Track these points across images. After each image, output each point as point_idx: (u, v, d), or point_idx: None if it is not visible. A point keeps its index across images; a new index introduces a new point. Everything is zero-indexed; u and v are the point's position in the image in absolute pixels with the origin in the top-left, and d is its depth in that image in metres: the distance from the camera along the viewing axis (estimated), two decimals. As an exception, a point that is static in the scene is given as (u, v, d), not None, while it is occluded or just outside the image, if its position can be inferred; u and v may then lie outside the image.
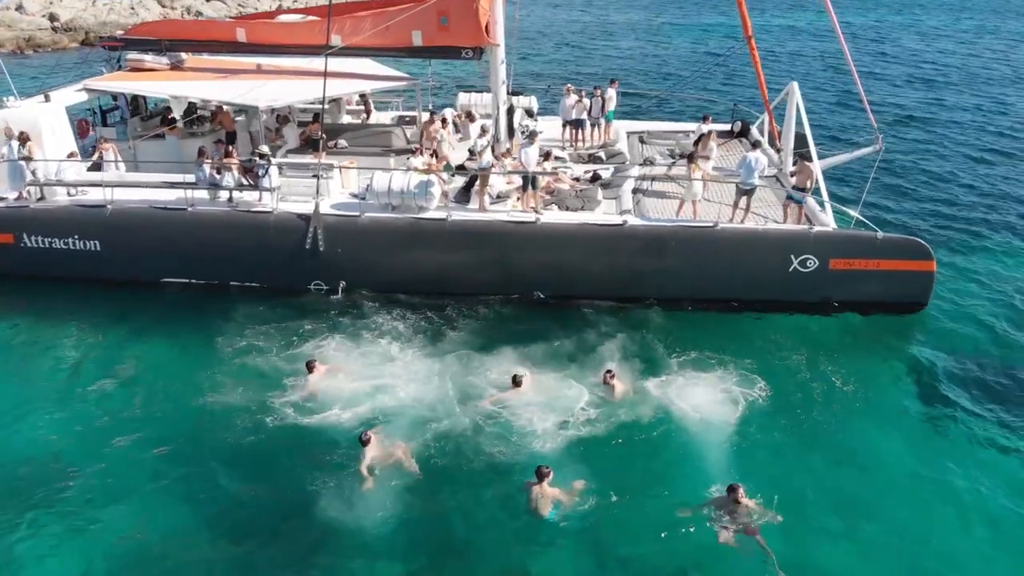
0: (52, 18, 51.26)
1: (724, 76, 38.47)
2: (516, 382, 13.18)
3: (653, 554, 10.34)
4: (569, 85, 21.62)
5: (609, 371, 13.55)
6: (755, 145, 16.48)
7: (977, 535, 10.71)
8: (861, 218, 15.98)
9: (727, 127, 22.01)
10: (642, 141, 21.89)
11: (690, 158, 16.65)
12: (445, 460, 11.82)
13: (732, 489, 10.73)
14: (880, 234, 15.66)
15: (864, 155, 19.20)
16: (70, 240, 17.00)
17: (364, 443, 11.60)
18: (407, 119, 22.08)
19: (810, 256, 15.75)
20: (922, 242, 15.89)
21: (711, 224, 15.97)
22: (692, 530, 10.59)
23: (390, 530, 10.62)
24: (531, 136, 17.18)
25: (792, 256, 15.81)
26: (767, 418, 12.97)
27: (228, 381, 13.77)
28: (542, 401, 13.04)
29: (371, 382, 13.57)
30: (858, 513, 11.02)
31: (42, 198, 17.24)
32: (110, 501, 11.14)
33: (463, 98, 23.72)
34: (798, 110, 17.69)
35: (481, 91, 23.29)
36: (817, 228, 15.94)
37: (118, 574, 9.99)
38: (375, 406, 12.94)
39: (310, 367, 13.64)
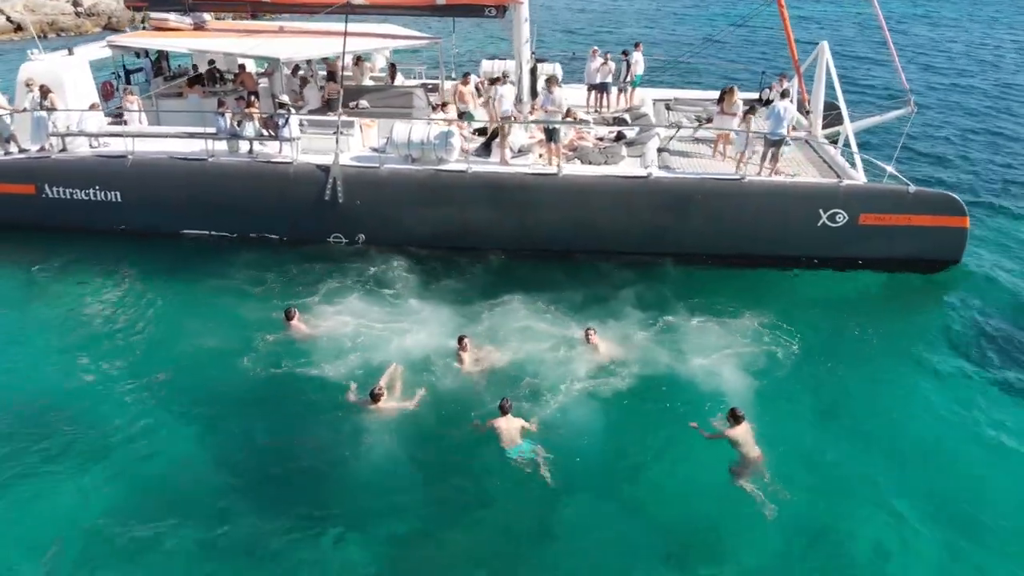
0: (76, 3, 52.16)
1: (752, 42, 38.33)
2: (461, 345, 12.90)
3: (652, 489, 10.44)
4: (595, 48, 21.66)
5: (590, 328, 13.33)
6: (783, 95, 16.44)
7: (1006, 487, 10.57)
8: (894, 172, 15.86)
9: (755, 95, 21.97)
10: (668, 108, 21.89)
11: (750, 111, 16.45)
12: (442, 411, 11.79)
13: (732, 413, 10.84)
14: (912, 188, 15.57)
15: (896, 117, 19.13)
16: (91, 191, 17.33)
17: (375, 397, 11.56)
18: (430, 87, 22.28)
19: (839, 210, 15.69)
20: (955, 197, 15.77)
21: (738, 177, 15.95)
22: (689, 461, 10.69)
23: (388, 477, 10.63)
24: (504, 78, 17.47)
25: (821, 210, 15.75)
26: (785, 372, 12.87)
27: (241, 331, 13.87)
28: (538, 354, 13.06)
29: (378, 332, 13.65)
30: (878, 467, 10.90)
31: (63, 149, 17.59)
32: (117, 441, 11.29)
33: (486, 65, 23.85)
34: (828, 70, 17.64)
35: (504, 59, 23.43)
36: (847, 182, 15.87)
37: (123, 512, 10.08)
38: (381, 356, 12.93)
39: (288, 315, 13.73)
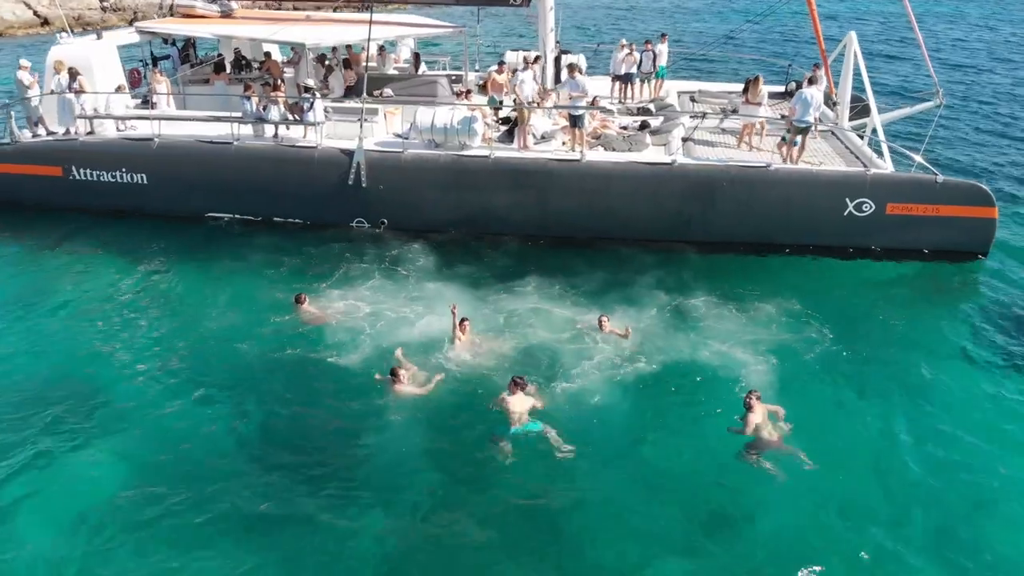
0: (101, -3, 52.93)
1: (777, 35, 38.26)
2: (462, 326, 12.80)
3: (670, 468, 10.42)
4: (623, 40, 21.72)
5: (604, 316, 13.26)
6: (810, 82, 16.41)
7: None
8: (922, 161, 15.78)
9: (781, 88, 21.94)
10: (693, 100, 21.87)
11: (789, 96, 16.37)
12: (453, 391, 11.76)
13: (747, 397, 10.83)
14: (940, 177, 15.50)
15: (925, 109, 19.05)
16: (117, 173, 17.59)
17: (393, 376, 11.60)
18: (453, 78, 22.42)
19: (866, 200, 15.64)
20: (984, 187, 15.67)
21: (764, 164, 15.94)
22: (704, 445, 10.68)
23: (396, 455, 10.59)
24: (526, 63, 17.54)
25: (847, 199, 15.70)
26: (808, 360, 12.72)
27: (258, 313, 13.98)
28: (551, 340, 13.07)
29: (392, 315, 13.72)
30: (902, 450, 10.80)
31: (91, 132, 17.87)
32: (134, 417, 11.38)
33: (510, 57, 23.97)
34: (856, 62, 17.57)
35: (529, 50, 23.54)
36: (874, 171, 15.81)
37: (141, 485, 10.14)
38: (393, 339, 12.97)
39: (299, 299, 13.82)
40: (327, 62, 20.90)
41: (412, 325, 13.39)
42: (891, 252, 16.06)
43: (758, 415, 10.68)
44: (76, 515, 9.62)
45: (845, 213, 15.77)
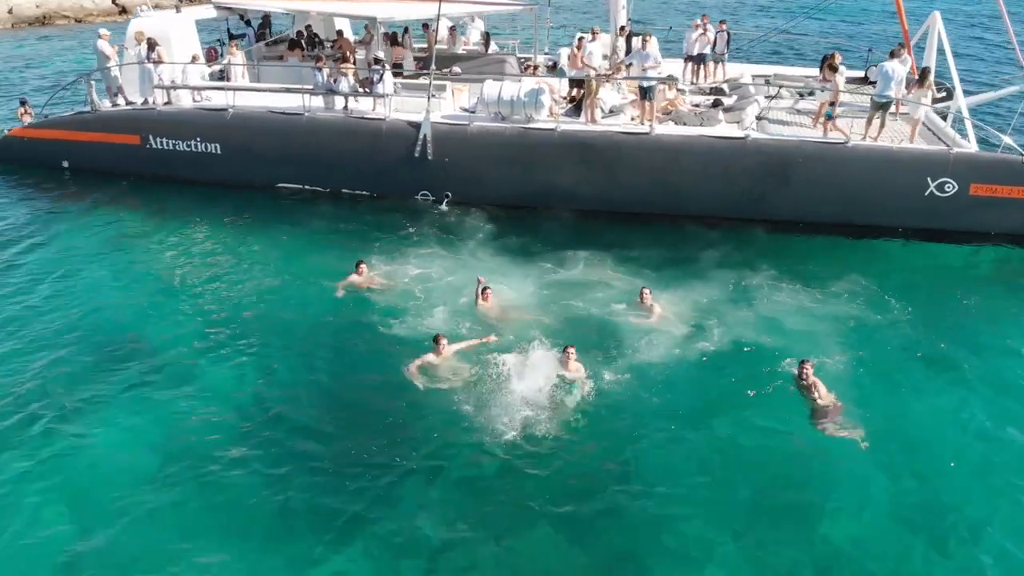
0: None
1: (856, 18, 37.18)
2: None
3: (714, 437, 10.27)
4: (697, 20, 21.40)
5: (645, 288, 13.04)
6: (892, 55, 15.94)
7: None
8: (1010, 142, 15.19)
9: (860, 73, 21.38)
10: (768, 83, 21.46)
11: (922, 75, 15.74)
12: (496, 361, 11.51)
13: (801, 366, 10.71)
14: (1028, 158, 14.91)
15: (1011, 93, 18.29)
16: (192, 142, 18.13)
17: (436, 345, 11.51)
18: (523, 59, 22.46)
19: (949, 179, 15.13)
20: (1076, 169, 15.00)
21: (842, 141, 15.55)
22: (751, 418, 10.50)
23: (441, 421, 10.54)
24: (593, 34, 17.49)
25: (929, 179, 15.22)
26: (877, 344, 12.29)
27: (317, 279, 14.22)
28: (600, 312, 13.01)
29: (443, 285, 13.80)
30: (978, 440, 10.39)
31: (168, 102, 18.46)
32: (190, 374, 11.71)
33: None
34: (940, 42, 17.02)
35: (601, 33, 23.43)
36: (958, 149, 15.29)
37: (197, 438, 10.40)
38: (445, 307, 13.01)
39: (357, 267, 13.93)
40: (399, 40, 21.20)
41: (460, 293, 13.42)
42: (972, 235, 15.50)
43: (813, 383, 10.56)
44: (128, 462, 9.89)
45: (926, 193, 15.28)
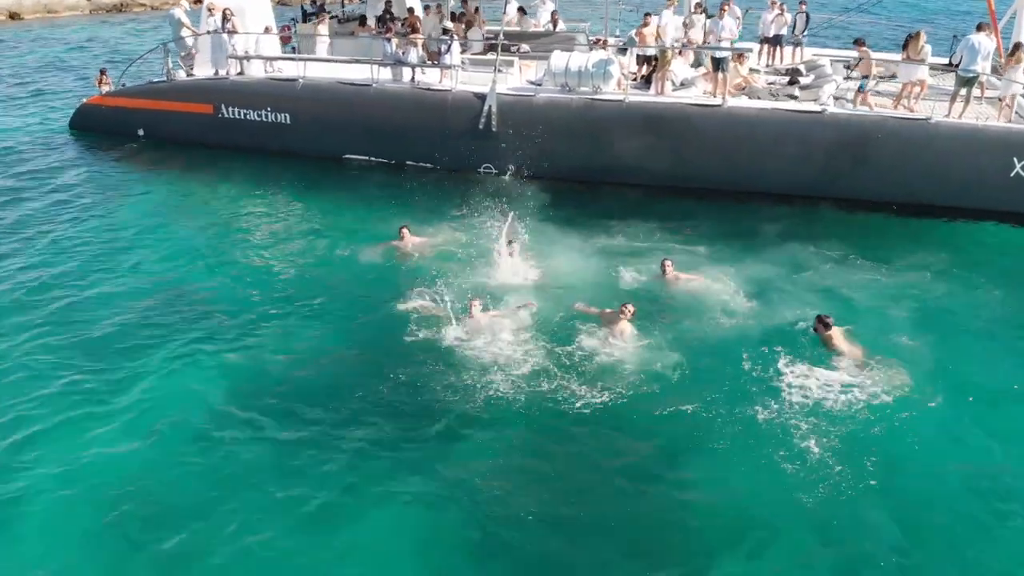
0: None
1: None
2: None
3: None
4: (775, 0, 20.96)
5: (667, 259, 12.76)
6: (979, 28, 15.39)
7: None
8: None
9: (944, 60, 20.68)
10: (848, 67, 20.96)
11: (1014, 49, 15.18)
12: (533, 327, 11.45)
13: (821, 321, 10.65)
14: None
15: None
16: (263, 112, 18.57)
17: (469, 308, 11.43)
18: (593, 38, 22.41)
19: (1038, 160, 14.54)
20: None
21: (924, 117, 15.07)
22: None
23: (475, 385, 10.33)
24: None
25: (1015, 159, 14.64)
26: (952, 331, 11.68)
27: (367, 243, 14.38)
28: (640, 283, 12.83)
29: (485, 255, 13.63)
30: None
31: (240, 72, 18.93)
32: (239, 332, 11.80)
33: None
34: None
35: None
36: (1049, 128, 14.69)
37: (238, 394, 10.43)
38: (487, 275, 12.98)
39: (401, 232, 13.99)
40: (466, 18, 21.36)
41: (500, 267, 13.21)
42: None
43: (836, 337, 10.58)
44: (179, 415, 9.97)
45: (1012, 174, 14.71)
